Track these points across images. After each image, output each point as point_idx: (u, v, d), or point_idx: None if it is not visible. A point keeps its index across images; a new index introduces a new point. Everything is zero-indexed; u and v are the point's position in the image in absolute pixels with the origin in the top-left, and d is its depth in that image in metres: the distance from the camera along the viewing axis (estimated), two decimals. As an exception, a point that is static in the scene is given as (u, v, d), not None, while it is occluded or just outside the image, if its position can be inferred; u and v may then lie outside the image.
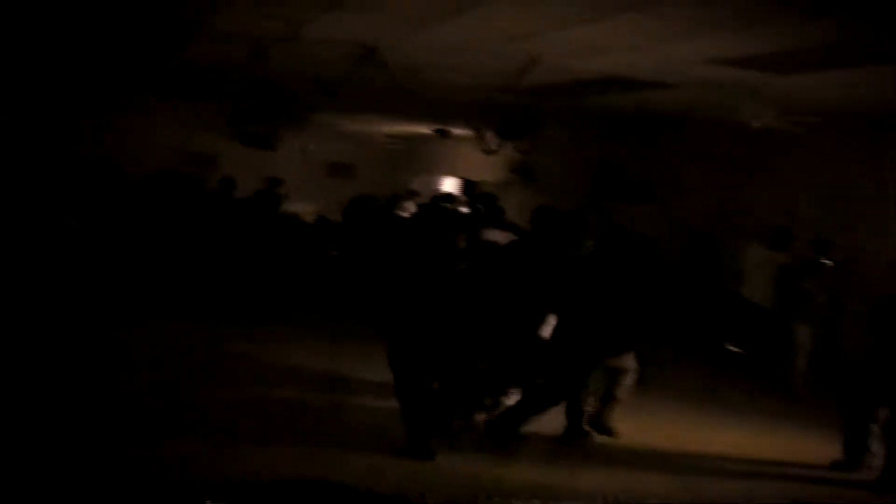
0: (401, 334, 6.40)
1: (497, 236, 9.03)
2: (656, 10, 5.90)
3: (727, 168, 11.94)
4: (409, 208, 12.49)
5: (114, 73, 12.58)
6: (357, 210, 11.97)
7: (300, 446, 6.48)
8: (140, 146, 17.89)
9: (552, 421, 6.98)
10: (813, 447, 7.83)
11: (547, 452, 6.93)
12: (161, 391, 7.54)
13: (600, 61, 8.06)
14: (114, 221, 10.12)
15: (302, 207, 13.57)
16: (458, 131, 15.09)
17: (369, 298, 10.01)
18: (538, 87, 9.62)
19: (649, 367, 7.53)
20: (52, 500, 4.83)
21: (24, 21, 8.47)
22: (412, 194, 14.54)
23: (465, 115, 12.39)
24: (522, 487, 5.93)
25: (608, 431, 7.20)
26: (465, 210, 12.92)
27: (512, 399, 6.85)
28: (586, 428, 7.17)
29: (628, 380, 7.21)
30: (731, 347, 10.63)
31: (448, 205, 13.00)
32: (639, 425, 7.47)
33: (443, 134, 15.40)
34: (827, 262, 9.38)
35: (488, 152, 12.40)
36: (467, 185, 16.28)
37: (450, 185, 19.00)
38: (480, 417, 6.88)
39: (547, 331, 6.76)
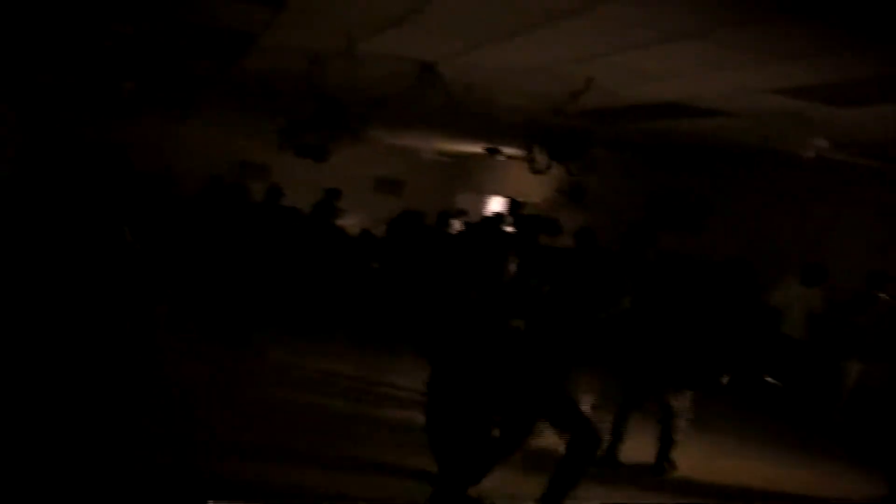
0: (441, 357, 6.36)
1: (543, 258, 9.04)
2: (714, 39, 5.89)
3: (776, 198, 11.88)
4: (456, 226, 12.50)
5: (172, 83, 12.73)
6: (403, 225, 11.97)
7: (335, 459, 6.58)
8: (194, 156, 18.15)
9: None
10: (852, 482, 7.77)
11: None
12: (197, 400, 7.64)
13: (656, 87, 8.03)
14: (167, 231, 10.20)
15: (347, 220, 13.61)
16: (508, 150, 15.08)
17: (409, 315, 10.03)
18: (592, 111, 9.61)
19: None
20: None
21: (85, 33, 8.59)
22: (460, 213, 14.55)
23: (516, 135, 12.38)
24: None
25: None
26: (511, 230, 12.92)
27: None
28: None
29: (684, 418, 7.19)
30: (770, 380, 10.54)
31: (496, 225, 13.01)
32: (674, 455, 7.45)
33: (493, 152, 15.39)
34: (883, 296, 9.24)
35: (537, 172, 12.34)
36: (514, 205, 16.27)
37: (497, 204, 18.98)
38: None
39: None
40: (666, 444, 7.20)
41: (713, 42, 6.00)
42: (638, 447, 7.35)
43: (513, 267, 6.49)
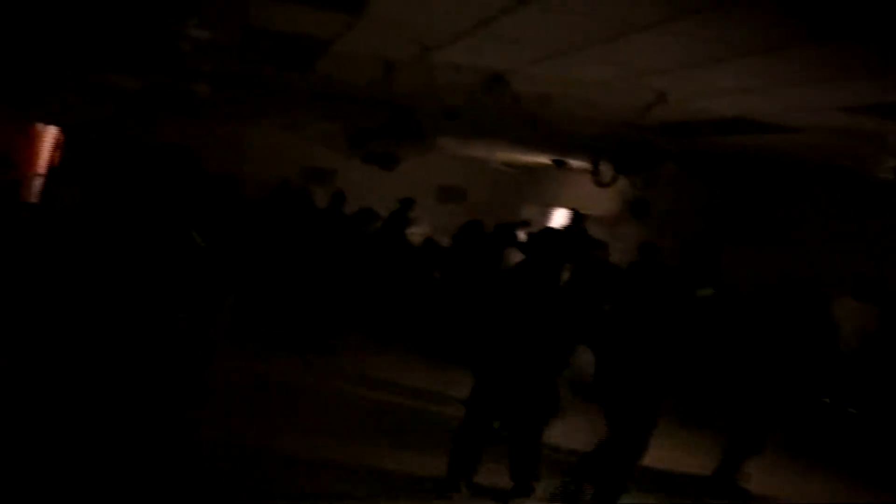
0: (490, 370, 6.42)
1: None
2: (786, 55, 5.90)
3: (841, 214, 11.77)
4: (519, 237, 12.53)
5: (245, 87, 12.90)
6: (468, 235, 12.04)
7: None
8: (261, 160, 18.36)
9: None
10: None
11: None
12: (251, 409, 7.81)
13: (724, 102, 8.04)
14: (234, 234, 10.33)
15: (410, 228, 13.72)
16: (574, 162, 15.09)
17: (466, 326, 10.08)
18: (661, 125, 9.62)
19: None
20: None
21: (162, 37, 8.76)
22: (524, 224, 14.58)
23: (582, 147, 12.40)
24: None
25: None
26: (574, 242, 12.92)
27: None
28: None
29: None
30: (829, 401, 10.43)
31: (558, 237, 13.01)
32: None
33: (559, 164, 15.41)
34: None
35: (602, 185, 12.35)
36: (577, 218, 16.27)
37: (561, 216, 18.97)
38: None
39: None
40: (735, 460, 7.25)
41: (782, 58, 6.03)
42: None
43: (569, 280, 6.53)
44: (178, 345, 5.17)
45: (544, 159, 16.30)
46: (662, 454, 7.23)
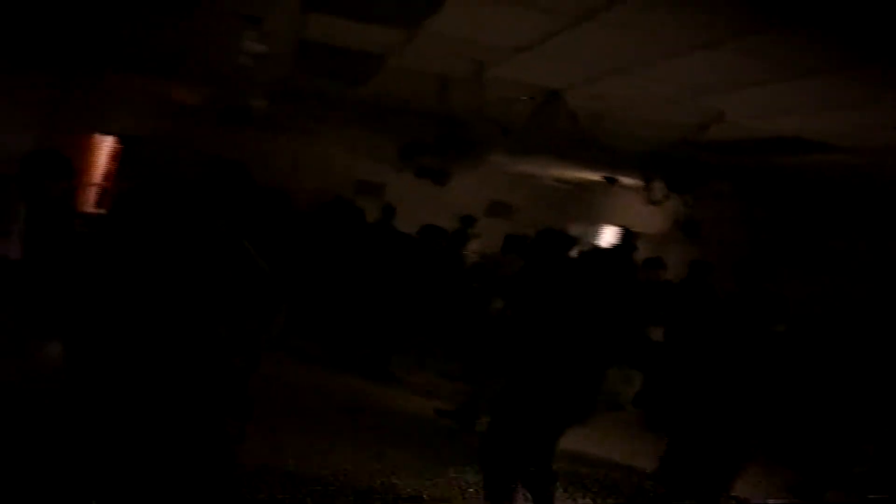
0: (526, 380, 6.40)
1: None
2: (844, 75, 5.87)
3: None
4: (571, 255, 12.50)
5: (299, 101, 13.00)
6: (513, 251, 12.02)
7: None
8: (311, 172, 18.48)
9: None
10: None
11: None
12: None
13: (783, 121, 7.98)
14: (285, 246, 10.38)
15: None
16: (626, 180, 15.04)
17: (508, 339, 10.05)
18: (716, 143, 9.57)
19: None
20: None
21: (219, 51, 8.86)
22: (573, 241, 14.55)
23: (634, 165, 12.35)
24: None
25: None
26: (623, 260, 12.90)
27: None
28: None
29: None
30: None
31: (608, 255, 13.00)
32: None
33: (611, 182, 15.36)
34: None
35: (654, 203, 12.31)
36: (628, 235, 16.21)
37: (611, 233, 18.90)
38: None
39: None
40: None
41: (841, 79, 5.99)
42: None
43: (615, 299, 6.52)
44: (219, 356, 5.21)
45: (595, 176, 16.25)
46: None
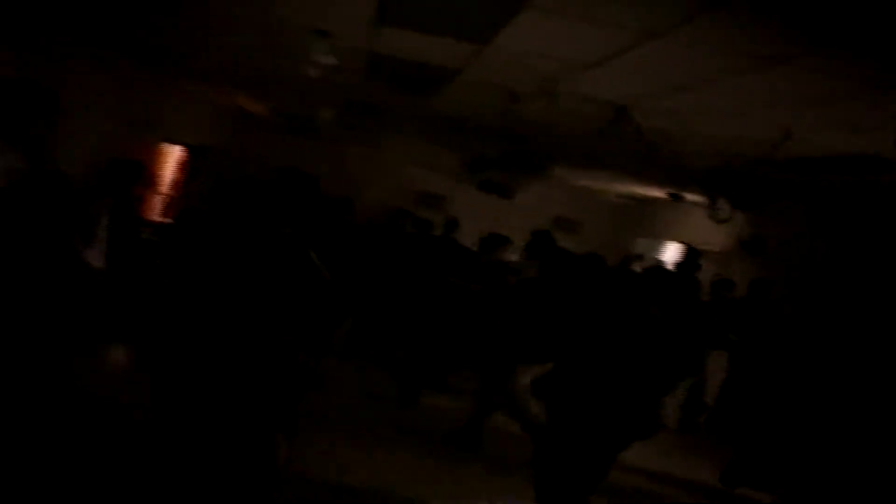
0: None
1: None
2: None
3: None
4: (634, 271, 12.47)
5: (366, 113, 13.09)
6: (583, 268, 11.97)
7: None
8: (375, 184, 18.60)
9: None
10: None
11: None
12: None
13: (851, 139, 7.90)
14: (348, 257, 10.43)
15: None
16: (690, 196, 14.96)
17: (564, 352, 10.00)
18: (783, 160, 9.49)
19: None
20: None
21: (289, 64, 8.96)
22: (637, 257, 14.51)
23: (700, 181, 12.28)
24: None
25: None
26: (685, 277, 12.81)
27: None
28: None
29: None
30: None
31: (671, 271, 12.92)
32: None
33: (676, 198, 15.29)
34: None
35: (719, 221, 12.22)
36: (692, 253, 16.11)
37: (674, 250, 18.80)
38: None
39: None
40: None
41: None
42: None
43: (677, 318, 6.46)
44: (282, 362, 5.27)
45: (660, 192, 16.18)
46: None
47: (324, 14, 6.81)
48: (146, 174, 9.46)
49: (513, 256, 10.72)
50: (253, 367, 5.23)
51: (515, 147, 11.07)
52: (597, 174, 15.81)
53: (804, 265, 13.47)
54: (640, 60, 6.32)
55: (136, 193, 11.48)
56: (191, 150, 16.35)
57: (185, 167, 16.44)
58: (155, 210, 14.93)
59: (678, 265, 13.67)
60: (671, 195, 15.35)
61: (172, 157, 16.10)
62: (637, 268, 13.02)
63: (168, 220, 14.50)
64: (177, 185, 16.12)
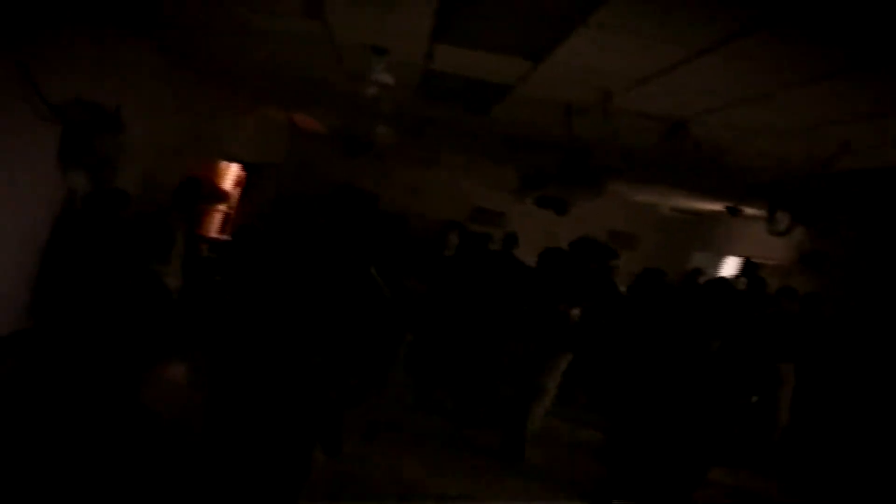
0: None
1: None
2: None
3: None
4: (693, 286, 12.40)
5: (422, 130, 13.16)
6: (645, 283, 11.95)
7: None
8: (432, 200, 18.68)
9: None
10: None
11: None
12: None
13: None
14: (407, 273, 10.44)
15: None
16: (749, 210, 14.84)
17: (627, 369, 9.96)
18: (843, 173, 9.39)
19: None
20: None
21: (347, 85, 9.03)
22: (696, 272, 14.43)
23: (758, 195, 12.18)
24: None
25: None
26: (744, 291, 12.72)
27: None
28: None
29: None
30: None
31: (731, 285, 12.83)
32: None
33: (734, 212, 15.17)
34: None
35: (778, 234, 12.10)
36: (750, 266, 15.98)
37: (733, 264, 18.66)
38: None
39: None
40: None
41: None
42: None
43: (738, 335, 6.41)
44: (313, 386, 5.31)
45: (717, 206, 16.07)
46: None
47: (381, 32, 6.87)
48: (219, 193, 9.62)
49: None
50: (301, 385, 5.28)
51: (571, 162, 11.04)
52: (652, 188, 15.74)
53: (864, 279, 13.31)
54: (695, 75, 6.30)
55: (204, 211, 11.65)
56: (247, 167, 16.52)
57: (242, 184, 16.62)
58: (213, 226, 15.10)
59: (739, 279, 13.61)
60: (728, 209, 15.23)
61: (230, 173, 16.27)
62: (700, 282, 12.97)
63: (225, 237, 14.65)
64: (234, 201, 16.28)
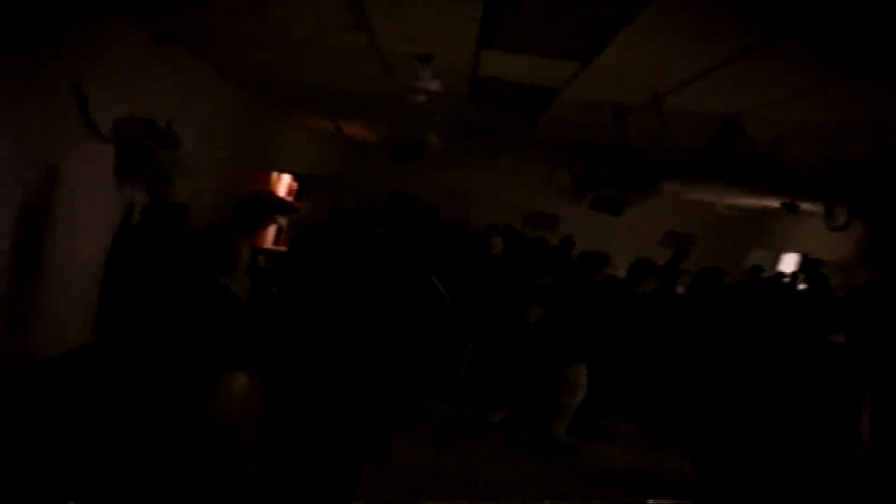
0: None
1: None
2: None
3: None
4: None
5: (474, 136, 13.17)
6: (704, 283, 11.87)
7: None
8: (486, 205, 18.69)
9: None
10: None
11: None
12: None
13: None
14: (466, 280, 10.42)
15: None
16: (805, 206, 14.69)
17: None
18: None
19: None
20: None
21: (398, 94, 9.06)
22: (759, 269, 14.31)
23: (814, 190, 12.05)
24: None
25: None
26: (804, 288, 12.60)
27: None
28: None
29: None
30: None
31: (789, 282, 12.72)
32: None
33: (791, 209, 15.02)
34: None
35: (836, 229, 11.96)
36: (808, 262, 15.80)
37: (791, 260, 18.48)
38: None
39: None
40: None
41: None
42: None
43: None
44: (359, 399, 5.32)
45: (773, 202, 15.91)
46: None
47: (428, 41, 6.88)
48: (286, 205, 9.70)
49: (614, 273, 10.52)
50: (354, 396, 5.30)
51: (624, 163, 10.98)
52: (707, 187, 15.62)
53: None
54: (747, 71, 6.24)
55: (267, 225, 11.76)
56: (300, 178, 16.63)
57: (296, 195, 16.73)
58: (268, 238, 15.20)
59: (798, 276, 13.49)
60: (785, 205, 15.07)
61: (284, 185, 16.39)
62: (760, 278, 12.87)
63: (281, 248, 14.75)
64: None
